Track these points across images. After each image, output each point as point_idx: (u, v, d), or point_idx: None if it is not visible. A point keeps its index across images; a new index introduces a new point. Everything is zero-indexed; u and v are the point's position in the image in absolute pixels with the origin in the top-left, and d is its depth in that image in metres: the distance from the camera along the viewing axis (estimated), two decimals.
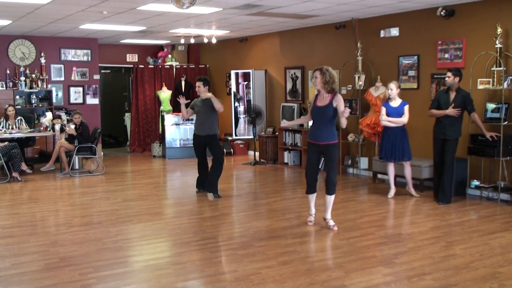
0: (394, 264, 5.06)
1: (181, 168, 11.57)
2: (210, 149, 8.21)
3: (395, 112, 7.99)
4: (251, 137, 12.34)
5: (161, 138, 13.38)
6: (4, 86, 12.07)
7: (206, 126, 8.13)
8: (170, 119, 13.01)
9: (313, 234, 6.17)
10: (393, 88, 7.99)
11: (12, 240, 6.01)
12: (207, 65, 14.91)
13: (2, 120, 10.84)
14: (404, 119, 7.97)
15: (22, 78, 12.14)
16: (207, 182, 8.20)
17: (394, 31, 9.39)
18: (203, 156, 8.39)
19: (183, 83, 14.19)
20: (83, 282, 4.60)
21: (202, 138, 8.18)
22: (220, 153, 8.24)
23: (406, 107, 7.98)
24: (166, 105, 13.93)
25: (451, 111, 7.44)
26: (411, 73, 9.14)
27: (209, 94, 8.13)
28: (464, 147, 7.97)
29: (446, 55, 8.53)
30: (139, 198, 8.38)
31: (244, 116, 12.95)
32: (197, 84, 8.19)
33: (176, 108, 13.97)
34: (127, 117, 14.94)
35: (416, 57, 9.06)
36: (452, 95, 7.53)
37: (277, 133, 11.95)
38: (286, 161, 11.66)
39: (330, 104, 6.13)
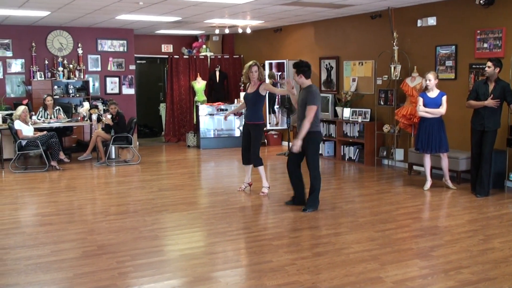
0: (431, 257, 5.01)
1: (215, 158, 11.63)
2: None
3: (433, 103, 7.86)
4: (285, 127, 12.31)
5: (196, 128, 13.46)
6: (43, 76, 12.31)
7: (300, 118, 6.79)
8: (204, 109, 13.06)
9: (348, 225, 6.14)
10: (431, 79, 7.85)
11: (51, 227, 6.15)
12: (242, 55, 14.91)
13: (41, 109, 11.07)
14: (442, 110, 7.83)
15: (60, 69, 12.36)
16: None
17: (431, 20, 9.21)
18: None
19: (217, 73, 14.24)
20: (120, 270, 4.68)
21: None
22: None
23: (444, 98, 7.83)
24: (200, 95, 14.00)
25: (490, 102, 7.28)
26: (449, 63, 8.97)
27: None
28: (503, 139, 7.80)
29: (485, 45, 8.34)
30: (174, 188, 8.46)
31: (277, 106, 12.90)
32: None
33: (210, 99, 14.06)
34: (162, 107, 15.09)
35: (453, 46, 8.88)
36: (491, 85, 7.36)
37: None
38: (320, 152, 11.58)
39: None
